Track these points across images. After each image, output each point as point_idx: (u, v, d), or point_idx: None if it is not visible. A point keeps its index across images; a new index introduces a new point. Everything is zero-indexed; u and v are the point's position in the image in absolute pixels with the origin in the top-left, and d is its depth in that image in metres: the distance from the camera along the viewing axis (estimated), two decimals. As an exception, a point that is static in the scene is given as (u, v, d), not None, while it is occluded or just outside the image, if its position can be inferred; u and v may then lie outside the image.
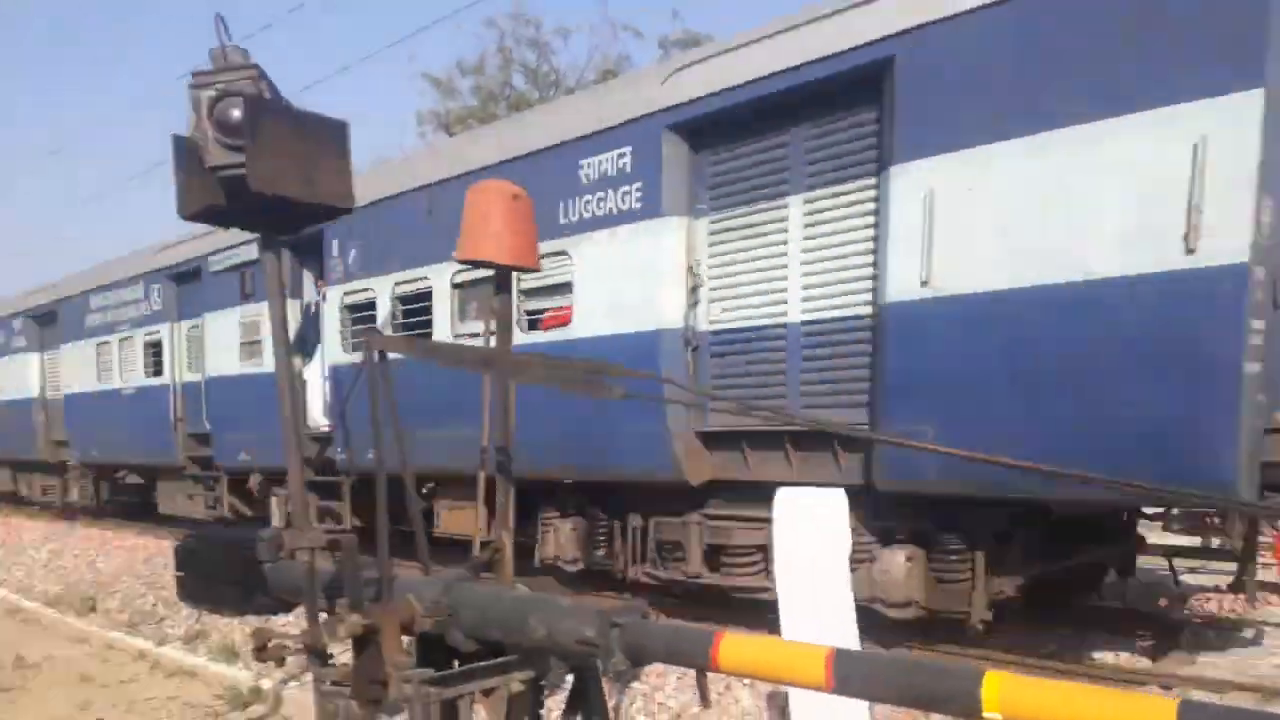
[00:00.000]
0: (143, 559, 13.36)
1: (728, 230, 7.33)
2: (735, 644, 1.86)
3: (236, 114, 2.79)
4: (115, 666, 8.76)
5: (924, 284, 5.80)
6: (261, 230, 3.14)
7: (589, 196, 8.00)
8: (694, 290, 7.46)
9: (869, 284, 6.35)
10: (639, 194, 7.60)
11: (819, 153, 6.68)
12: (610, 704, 2.89)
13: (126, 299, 15.60)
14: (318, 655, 2.92)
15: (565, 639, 2.27)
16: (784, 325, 6.93)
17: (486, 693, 2.64)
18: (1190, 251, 4.78)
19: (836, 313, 6.60)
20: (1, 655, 9.24)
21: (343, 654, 3.03)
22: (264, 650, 3.00)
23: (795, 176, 6.83)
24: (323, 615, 3.05)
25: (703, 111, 7.19)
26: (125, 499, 17.40)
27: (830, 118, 6.57)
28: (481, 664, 2.60)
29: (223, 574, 3.60)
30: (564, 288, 8.19)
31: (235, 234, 12.14)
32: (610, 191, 7.83)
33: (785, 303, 6.91)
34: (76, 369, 17.08)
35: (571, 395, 3.23)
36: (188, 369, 14.28)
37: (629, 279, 7.64)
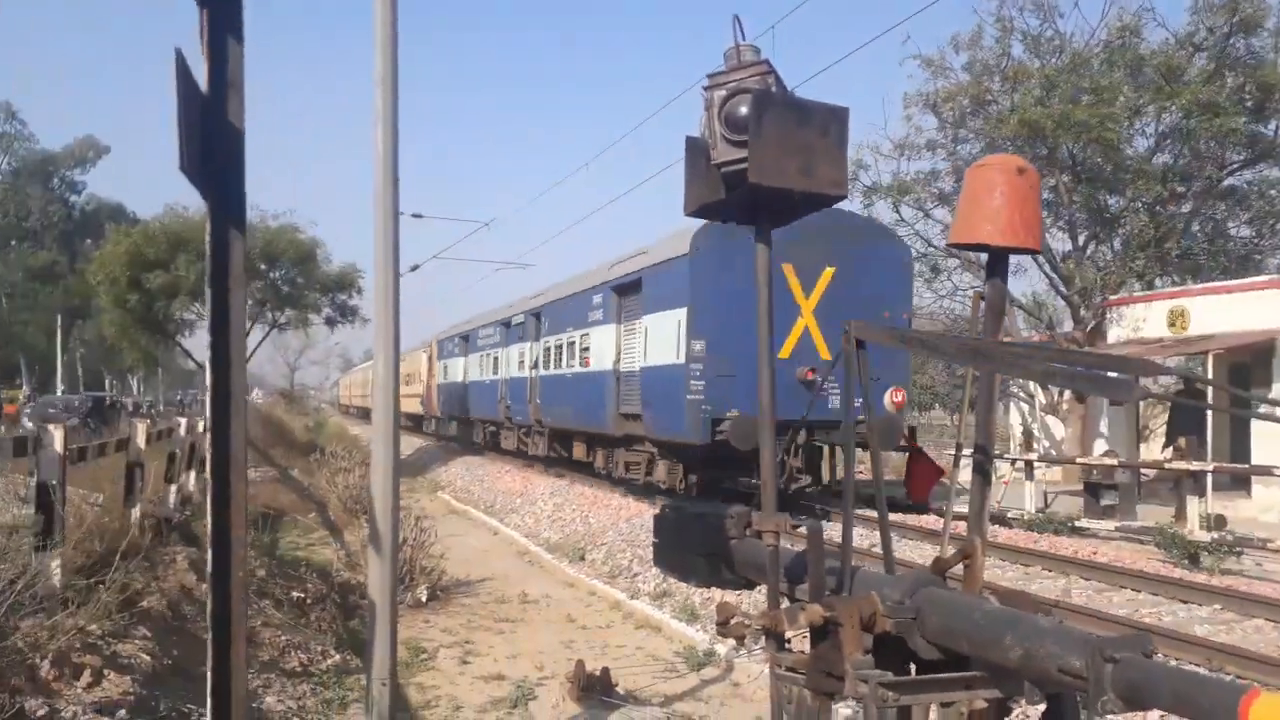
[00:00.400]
0: (624, 518, 14.82)
1: (627, 331, 17.82)
2: (1275, 706, 1.51)
3: (744, 110, 2.89)
4: (595, 612, 9.82)
5: (643, 361, 16.83)
6: (756, 223, 3.23)
7: (592, 312, 19.22)
8: (618, 354, 18.01)
9: (638, 354, 17.02)
10: (603, 313, 18.67)
11: (636, 303, 17.19)
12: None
13: (489, 333, 29.10)
14: (775, 638, 2.95)
15: (1045, 664, 2.03)
16: (639, 370, 16.92)
17: (945, 704, 2.50)
18: (678, 357, 14.99)
19: (637, 365, 16.96)
20: (511, 590, 10.81)
21: (798, 637, 3.07)
22: (726, 625, 3.10)
23: (637, 312, 17.15)
24: (783, 600, 3.09)
25: (619, 283, 18.01)
26: (490, 440, 29.99)
27: (637, 293, 17.10)
28: (945, 675, 2.46)
29: (693, 545, 3.76)
30: (589, 349, 19.44)
31: (527, 303, 26.01)
32: (598, 311, 18.97)
33: (636, 361, 17.13)
34: (474, 367, 30.97)
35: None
36: (507, 372, 26.34)
37: (602, 348, 18.62)
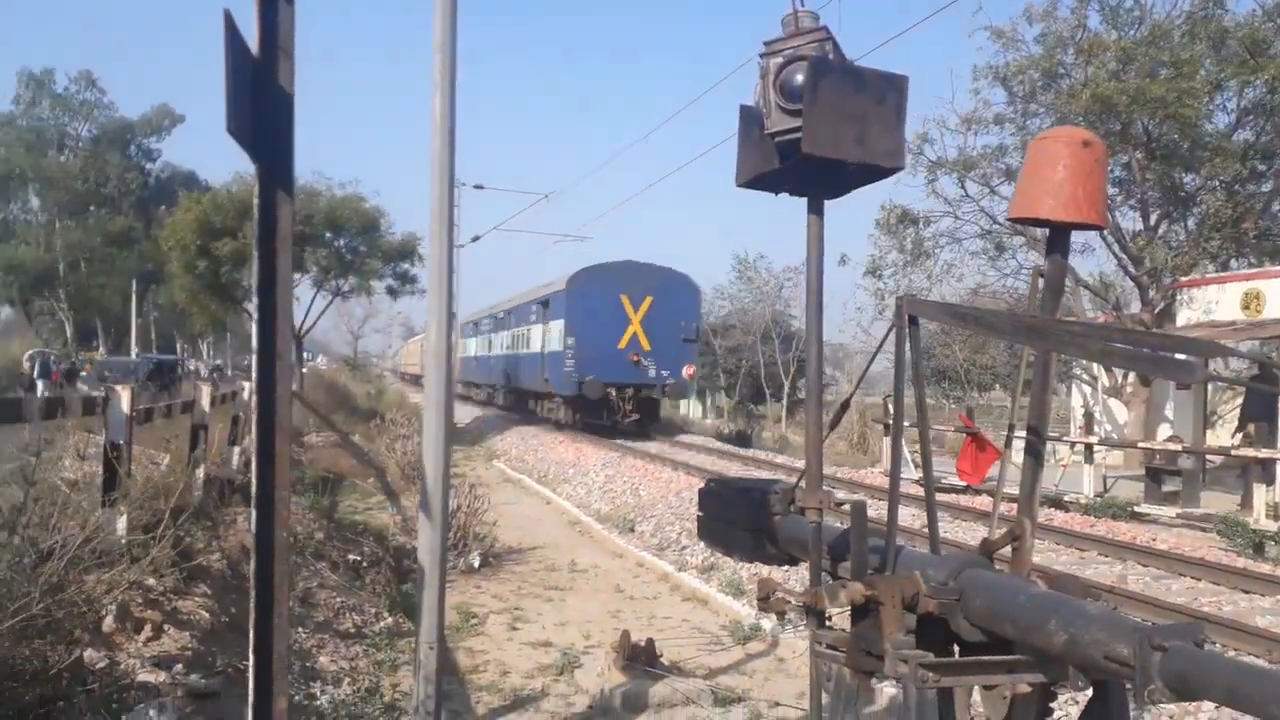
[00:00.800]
0: (674, 492, 14.84)
1: (545, 329, 28.83)
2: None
3: (800, 78, 2.81)
4: (642, 583, 9.86)
5: (550, 348, 27.96)
6: (809, 194, 3.16)
7: (531, 315, 30.69)
8: (542, 343, 28.96)
9: (547, 344, 28.51)
10: (535, 317, 30.02)
11: (548, 313, 28.51)
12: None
13: (486, 323, 39.80)
14: (816, 615, 2.92)
15: (1091, 651, 1.97)
16: (548, 353, 28.15)
17: (988, 687, 2.45)
18: (561, 346, 26.49)
19: (548, 350, 28.18)
20: (561, 559, 10.90)
21: (840, 615, 3.04)
22: (767, 601, 3.07)
23: (548, 318, 28.38)
24: (825, 577, 3.06)
25: (541, 299, 29.35)
26: (489, 399, 41.08)
27: (547, 307, 28.53)
28: (988, 658, 2.41)
29: (737, 519, 3.74)
30: (529, 339, 31.10)
31: (506, 305, 39.37)
32: (533, 315, 30.34)
33: (547, 347, 28.30)
34: (480, 347, 41.59)
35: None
36: (495, 350, 37.35)
37: (534, 338, 30.28)
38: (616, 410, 26.05)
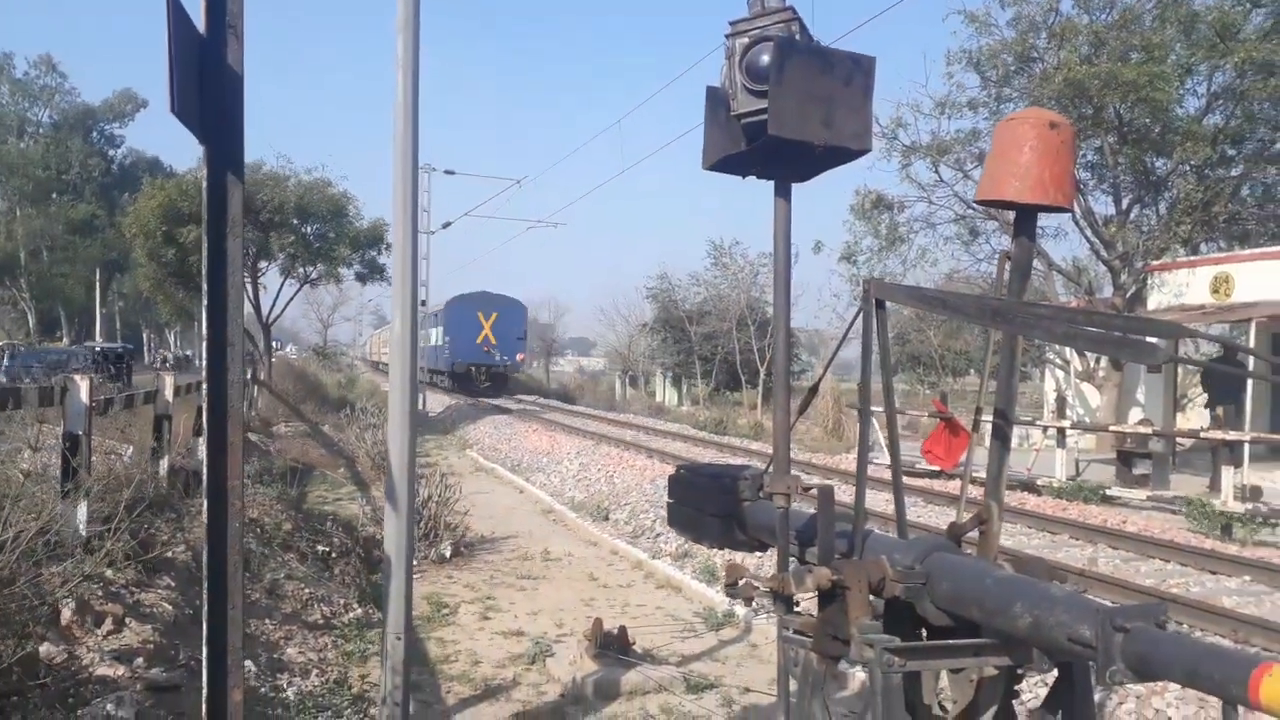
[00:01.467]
0: (649, 479, 14.80)
1: (436, 331, 46.14)
2: (1285, 682, 1.45)
3: (765, 59, 2.77)
4: (616, 571, 9.83)
5: (438, 342, 45.85)
6: (776, 177, 3.13)
7: (432, 320, 46.19)
8: (437, 340, 45.81)
9: (437, 340, 46.37)
10: (433, 322, 46.33)
11: (437, 321, 45.92)
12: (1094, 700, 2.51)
13: (423, 322, 44.29)
14: (783, 601, 2.90)
15: (1054, 633, 1.96)
16: (437, 345, 45.88)
17: (954, 671, 2.44)
18: (441, 342, 44.88)
19: (438, 344, 46.16)
20: (535, 548, 10.85)
21: (809, 601, 3.02)
22: (734, 586, 3.06)
23: (438, 323, 45.66)
24: (792, 562, 3.04)
25: (434, 313, 45.43)
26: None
27: (436, 317, 45.74)
28: (954, 642, 2.39)
29: (707, 506, 3.72)
30: (431, 336, 46.75)
31: (422, 310, 43.15)
32: (432, 321, 46.32)
33: (438, 341, 46.06)
34: (429, 338, 48.60)
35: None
36: (427, 344, 47.35)
37: (433, 336, 46.79)
38: (475, 380, 41.85)
